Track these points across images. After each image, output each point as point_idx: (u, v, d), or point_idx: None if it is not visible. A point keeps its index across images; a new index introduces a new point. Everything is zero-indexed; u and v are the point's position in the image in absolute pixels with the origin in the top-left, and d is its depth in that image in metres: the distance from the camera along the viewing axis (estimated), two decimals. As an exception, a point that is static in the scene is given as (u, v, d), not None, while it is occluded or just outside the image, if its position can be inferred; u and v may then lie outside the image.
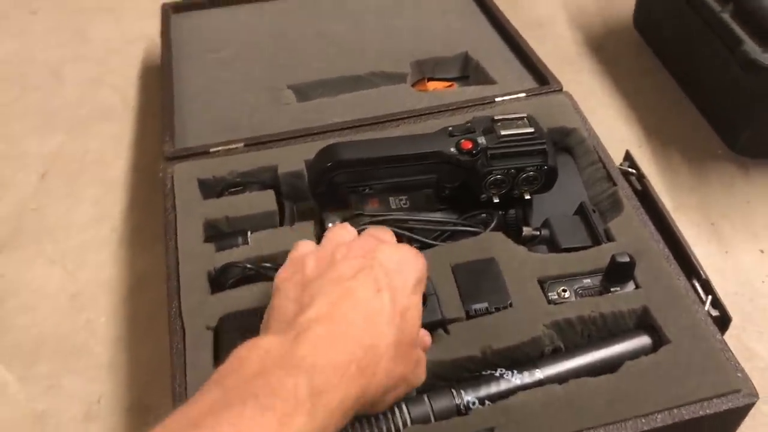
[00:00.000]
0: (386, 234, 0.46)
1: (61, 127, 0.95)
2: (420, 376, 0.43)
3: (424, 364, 0.44)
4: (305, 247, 0.44)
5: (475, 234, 0.61)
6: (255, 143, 0.67)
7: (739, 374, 0.51)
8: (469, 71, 0.82)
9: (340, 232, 0.45)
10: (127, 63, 1.04)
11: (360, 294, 0.39)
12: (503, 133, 0.59)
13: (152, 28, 1.01)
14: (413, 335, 0.41)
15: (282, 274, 0.42)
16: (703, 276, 0.59)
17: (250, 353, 0.35)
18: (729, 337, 0.66)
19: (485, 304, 0.55)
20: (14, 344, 0.70)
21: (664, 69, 0.99)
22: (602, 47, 1.05)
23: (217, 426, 0.30)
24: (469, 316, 0.54)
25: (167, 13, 0.90)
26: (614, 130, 0.91)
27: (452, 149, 0.60)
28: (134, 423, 0.63)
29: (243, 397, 0.32)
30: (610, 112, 0.94)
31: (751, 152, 0.84)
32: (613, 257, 0.55)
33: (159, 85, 0.81)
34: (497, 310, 0.55)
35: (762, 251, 0.75)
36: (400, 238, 0.56)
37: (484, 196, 0.62)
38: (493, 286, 0.56)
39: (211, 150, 0.67)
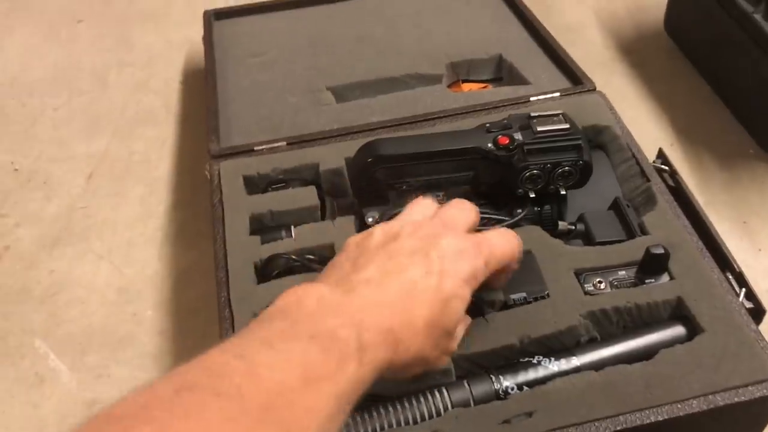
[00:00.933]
0: (462, 215, 0.48)
1: (106, 130, 0.99)
2: (441, 362, 0.45)
3: (450, 353, 0.46)
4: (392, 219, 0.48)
5: (510, 223, 0.63)
6: (297, 141, 0.70)
7: (774, 363, 0.52)
8: (503, 73, 0.84)
9: (418, 208, 0.48)
10: (169, 68, 1.08)
11: (409, 271, 0.41)
12: (539, 129, 0.61)
13: (193, 34, 1.05)
14: (450, 324, 0.43)
15: (353, 237, 0.46)
16: (737, 269, 0.60)
17: (306, 293, 0.38)
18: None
19: (523, 294, 0.57)
20: (66, 335, 0.73)
21: (695, 71, 1.00)
22: (633, 51, 1.06)
23: (288, 351, 0.33)
24: (507, 306, 0.56)
25: (210, 19, 0.93)
26: (646, 131, 0.92)
27: (489, 145, 0.62)
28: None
29: (307, 332, 0.35)
30: (642, 113, 0.96)
31: (783, 152, 0.85)
32: (647, 249, 0.57)
33: (202, 88, 0.85)
34: (535, 300, 0.56)
35: (795, 249, 0.76)
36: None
37: (520, 191, 0.63)
38: (530, 277, 0.58)
39: (255, 148, 0.69)
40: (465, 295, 0.44)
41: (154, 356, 0.72)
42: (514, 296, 0.57)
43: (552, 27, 1.11)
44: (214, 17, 0.94)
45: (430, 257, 0.42)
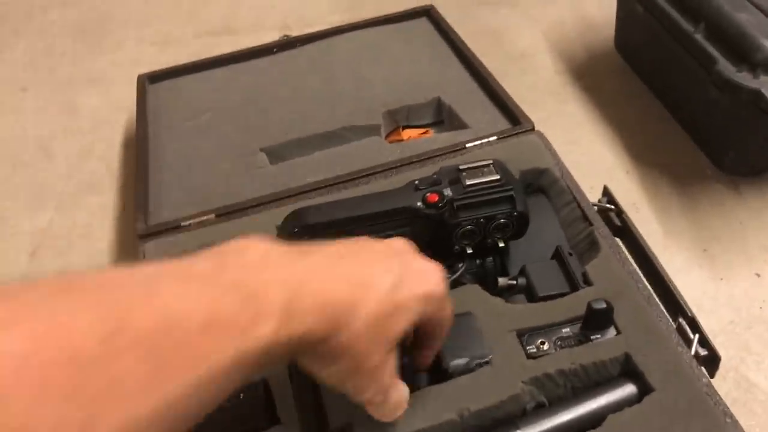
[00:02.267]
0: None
1: (50, 202, 0.96)
2: (380, 381, 0.42)
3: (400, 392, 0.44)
4: None
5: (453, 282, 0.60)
6: (226, 213, 0.67)
7: (728, 419, 0.48)
8: (443, 116, 0.81)
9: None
10: (113, 132, 1.06)
11: (370, 264, 0.39)
12: (468, 182, 0.58)
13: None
14: (392, 333, 0.39)
15: None
16: (689, 314, 0.57)
17: (254, 244, 0.35)
18: (726, 368, 0.64)
19: (465, 360, 0.53)
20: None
21: (648, 91, 0.97)
22: (586, 74, 1.04)
23: (200, 291, 0.30)
24: (448, 374, 0.53)
25: (143, 83, 0.90)
26: (601, 157, 0.90)
27: (419, 203, 0.59)
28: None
29: (232, 280, 0.32)
30: (597, 139, 0.93)
31: (739, 171, 0.82)
32: (589, 305, 0.53)
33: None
34: (477, 366, 0.53)
35: (758, 275, 0.73)
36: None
37: (457, 247, 0.61)
38: (471, 342, 0.55)
39: (183, 224, 0.66)
40: (413, 314, 0.40)
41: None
42: (453, 363, 0.53)
43: (503, 55, 1.09)
44: (148, 81, 0.91)
45: (393, 261, 0.41)
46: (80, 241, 0.90)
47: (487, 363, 0.53)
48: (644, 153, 0.89)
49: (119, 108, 1.10)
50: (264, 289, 0.32)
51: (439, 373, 0.54)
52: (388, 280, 0.39)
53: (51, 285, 0.27)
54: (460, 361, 0.54)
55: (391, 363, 0.42)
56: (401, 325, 0.40)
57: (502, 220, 0.59)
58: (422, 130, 0.81)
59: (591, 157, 0.91)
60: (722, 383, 0.64)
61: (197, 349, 0.29)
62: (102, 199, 0.95)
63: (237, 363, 0.30)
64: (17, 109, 1.14)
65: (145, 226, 0.67)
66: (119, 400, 0.25)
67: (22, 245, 0.90)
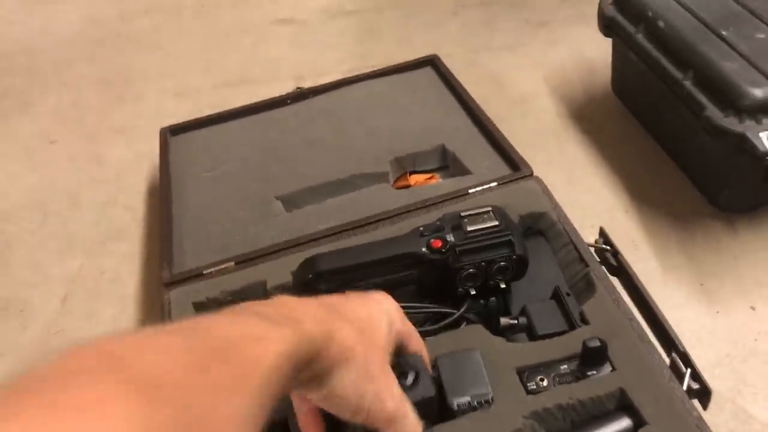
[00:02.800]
0: None
1: (79, 249, 1.01)
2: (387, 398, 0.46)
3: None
4: None
5: (454, 318, 0.64)
6: (244, 260, 0.71)
7: (716, 451, 0.52)
8: (447, 162, 0.86)
9: None
10: (137, 181, 1.11)
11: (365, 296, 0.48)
12: (469, 229, 0.63)
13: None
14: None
15: None
16: (681, 349, 0.61)
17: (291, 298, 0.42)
18: (723, 400, 0.67)
19: (467, 398, 0.57)
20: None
21: (645, 131, 1.01)
22: (585, 116, 1.08)
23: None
24: (452, 411, 0.56)
25: (165, 136, 0.96)
26: (601, 197, 0.94)
27: (423, 249, 0.63)
28: None
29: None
30: (597, 180, 0.97)
31: (734, 208, 0.85)
32: (584, 343, 0.57)
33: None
34: (479, 404, 0.57)
35: (753, 308, 0.76)
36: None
37: (460, 289, 0.65)
38: (474, 380, 0.58)
39: (205, 272, 0.71)
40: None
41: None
42: (458, 401, 0.57)
43: (505, 99, 1.14)
44: (170, 134, 0.97)
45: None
46: (109, 287, 0.95)
47: (488, 402, 0.57)
48: (642, 192, 0.93)
49: (142, 157, 1.16)
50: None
51: (444, 411, 0.57)
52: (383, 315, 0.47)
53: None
54: (463, 400, 0.57)
55: (394, 378, 0.47)
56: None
57: (502, 263, 0.63)
58: (428, 175, 0.85)
59: (591, 196, 0.95)
60: (720, 415, 0.67)
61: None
62: (128, 246, 1.00)
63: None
64: (46, 161, 1.20)
65: (170, 275, 0.72)
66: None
67: (54, 291, 0.95)
